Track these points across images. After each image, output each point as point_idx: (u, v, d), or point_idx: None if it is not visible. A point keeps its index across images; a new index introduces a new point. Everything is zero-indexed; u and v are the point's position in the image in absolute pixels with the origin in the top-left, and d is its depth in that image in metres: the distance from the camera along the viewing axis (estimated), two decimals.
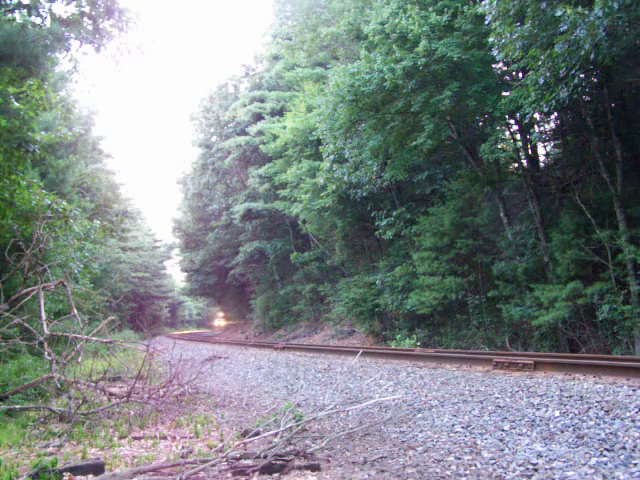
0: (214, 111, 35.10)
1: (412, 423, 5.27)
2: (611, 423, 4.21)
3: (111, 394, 6.78)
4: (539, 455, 3.89)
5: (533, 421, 4.64)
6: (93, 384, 6.69)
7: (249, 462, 3.92)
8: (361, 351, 9.35)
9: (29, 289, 7.98)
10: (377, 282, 15.79)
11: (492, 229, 13.11)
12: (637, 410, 4.29)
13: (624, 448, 3.74)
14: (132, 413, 6.17)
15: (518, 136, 13.10)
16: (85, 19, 8.52)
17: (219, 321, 65.47)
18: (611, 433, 4.02)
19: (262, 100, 29.90)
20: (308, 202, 18.04)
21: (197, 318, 79.69)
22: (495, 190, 12.64)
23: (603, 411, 4.48)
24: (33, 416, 6.07)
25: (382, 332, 16.40)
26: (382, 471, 3.85)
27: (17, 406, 6.12)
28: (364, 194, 15.87)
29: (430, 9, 11.08)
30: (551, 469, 3.59)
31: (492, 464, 3.84)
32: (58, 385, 6.19)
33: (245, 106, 30.61)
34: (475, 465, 3.86)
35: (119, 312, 27.35)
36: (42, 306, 7.34)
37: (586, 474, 3.42)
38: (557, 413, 4.68)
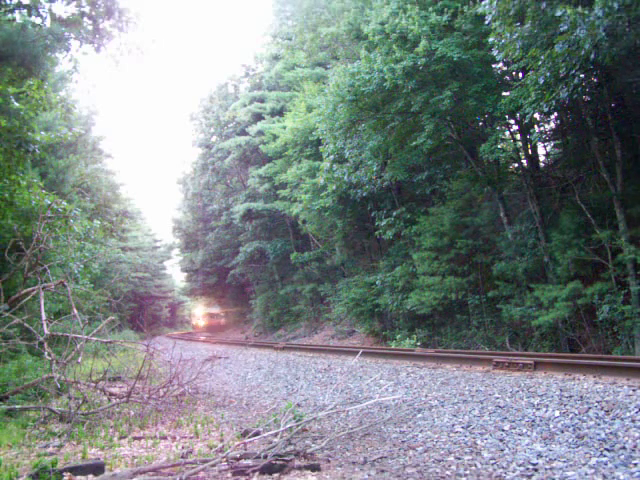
0: (214, 111, 35.11)
1: (412, 423, 5.27)
2: (611, 423, 4.20)
3: (111, 394, 6.78)
4: (539, 455, 3.89)
5: (533, 421, 4.64)
6: (93, 384, 6.69)
7: (249, 462, 3.92)
8: (361, 351, 9.34)
9: (29, 289, 7.99)
10: (377, 282, 15.78)
11: (492, 229, 13.10)
12: (637, 410, 4.29)
13: (624, 448, 3.74)
14: (132, 413, 6.17)
15: (518, 136, 13.10)
16: (85, 19, 8.52)
17: (199, 320, 55.09)
18: (611, 433, 4.02)
19: (262, 100, 29.90)
20: (308, 202, 18.04)
21: None
22: (495, 190, 12.63)
23: (603, 411, 4.48)
24: (33, 416, 6.07)
25: (382, 332, 16.40)
26: (382, 471, 3.85)
27: (17, 406, 6.12)
28: (364, 194, 15.86)
29: (430, 9, 11.07)
30: (551, 469, 3.59)
31: (492, 464, 3.84)
32: (58, 385, 6.19)
33: (245, 106, 30.61)
34: (475, 465, 3.86)
35: (119, 312, 27.31)
36: (42, 306, 7.34)
37: (586, 474, 3.42)
38: (557, 413, 4.67)
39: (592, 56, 7.54)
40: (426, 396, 6.19)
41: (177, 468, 3.80)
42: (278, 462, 3.88)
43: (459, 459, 4.03)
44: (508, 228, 12.50)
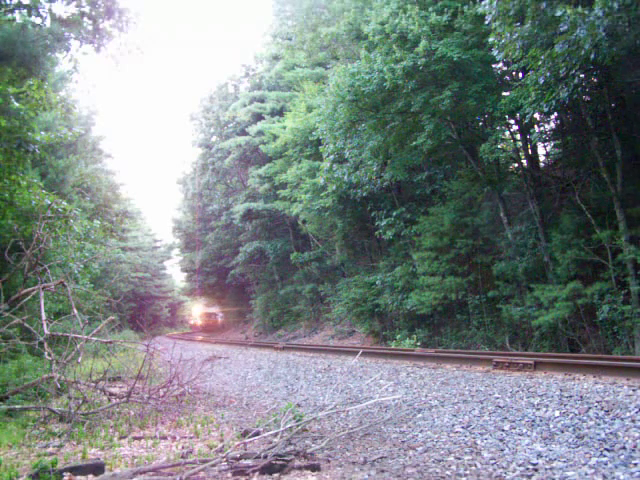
0: (214, 111, 35.09)
1: (412, 423, 5.27)
2: (611, 423, 4.20)
3: (111, 394, 6.77)
4: (539, 455, 3.89)
5: (533, 421, 4.64)
6: (93, 384, 6.69)
7: (249, 462, 3.92)
8: (361, 351, 9.34)
9: (29, 289, 7.98)
10: (377, 282, 15.78)
11: (492, 229, 13.10)
12: (637, 410, 4.29)
13: (624, 448, 3.74)
14: (132, 413, 6.17)
15: (518, 136, 13.10)
16: (85, 19, 8.51)
17: (199, 320, 51.93)
18: (611, 433, 4.02)
19: (262, 100, 29.89)
20: (308, 202, 18.04)
21: None
22: (495, 190, 12.63)
23: (603, 411, 4.48)
24: (33, 416, 6.07)
25: (382, 332, 16.40)
26: (382, 471, 3.85)
27: (17, 406, 6.12)
28: (364, 194, 15.87)
29: (430, 9, 11.07)
30: (551, 469, 3.59)
31: (492, 464, 3.84)
32: (58, 385, 6.19)
33: (245, 106, 30.60)
34: (475, 465, 3.86)
35: (119, 312, 27.32)
36: (42, 306, 7.34)
37: (586, 474, 3.42)
38: (557, 413, 4.67)
39: (592, 56, 7.54)
40: (426, 396, 6.19)
41: (177, 468, 3.80)
42: (278, 462, 3.88)
43: (459, 459, 4.03)
44: (508, 228, 12.50)
